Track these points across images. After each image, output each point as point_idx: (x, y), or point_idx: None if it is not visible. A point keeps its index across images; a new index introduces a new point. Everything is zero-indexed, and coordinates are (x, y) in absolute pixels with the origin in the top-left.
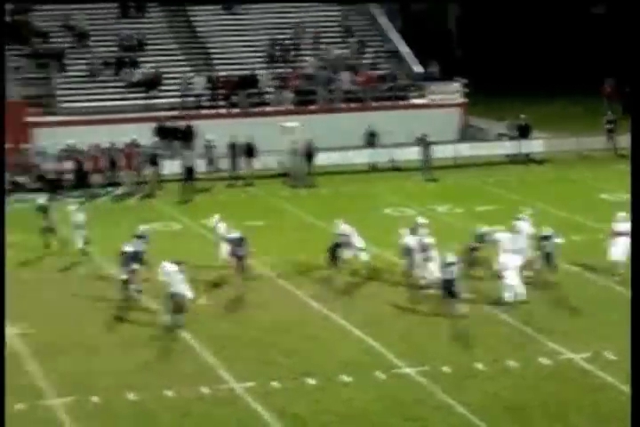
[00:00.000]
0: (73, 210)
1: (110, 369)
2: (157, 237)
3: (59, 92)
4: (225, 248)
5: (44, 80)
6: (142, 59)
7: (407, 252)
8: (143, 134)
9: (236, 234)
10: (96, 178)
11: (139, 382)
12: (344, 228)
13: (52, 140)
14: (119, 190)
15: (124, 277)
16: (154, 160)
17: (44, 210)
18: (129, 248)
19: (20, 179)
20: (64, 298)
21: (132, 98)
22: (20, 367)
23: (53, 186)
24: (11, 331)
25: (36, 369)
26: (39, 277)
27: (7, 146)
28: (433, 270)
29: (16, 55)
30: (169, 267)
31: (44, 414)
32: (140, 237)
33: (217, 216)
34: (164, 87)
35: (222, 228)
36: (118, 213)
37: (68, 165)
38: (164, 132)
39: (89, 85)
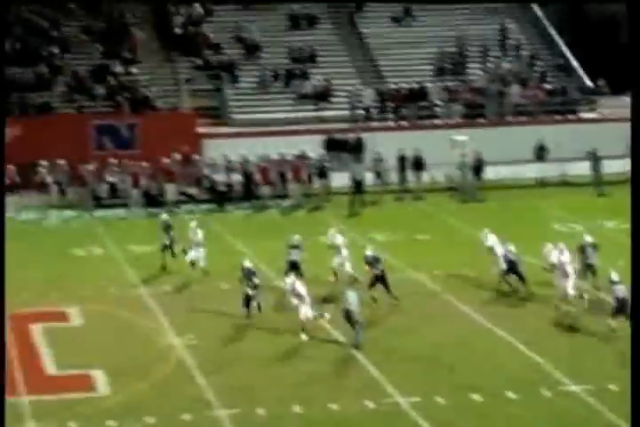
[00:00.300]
0: (192, 227)
1: (275, 382)
2: (325, 249)
3: (230, 104)
4: (337, 260)
5: (216, 91)
6: (313, 71)
7: (551, 268)
8: (312, 146)
9: (370, 252)
10: (265, 190)
11: (304, 395)
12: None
13: (222, 151)
14: (287, 202)
15: (250, 292)
16: (323, 172)
17: (166, 226)
18: (248, 264)
19: (191, 190)
20: (223, 311)
21: (302, 110)
22: (187, 378)
23: (222, 197)
24: (178, 342)
25: (203, 380)
26: (194, 291)
27: (178, 156)
28: (569, 286)
29: (188, 67)
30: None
31: (210, 425)
32: (294, 246)
33: (334, 229)
34: (333, 99)
35: (339, 239)
36: (286, 226)
37: (238, 176)
38: (333, 145)
39: (259, 97)
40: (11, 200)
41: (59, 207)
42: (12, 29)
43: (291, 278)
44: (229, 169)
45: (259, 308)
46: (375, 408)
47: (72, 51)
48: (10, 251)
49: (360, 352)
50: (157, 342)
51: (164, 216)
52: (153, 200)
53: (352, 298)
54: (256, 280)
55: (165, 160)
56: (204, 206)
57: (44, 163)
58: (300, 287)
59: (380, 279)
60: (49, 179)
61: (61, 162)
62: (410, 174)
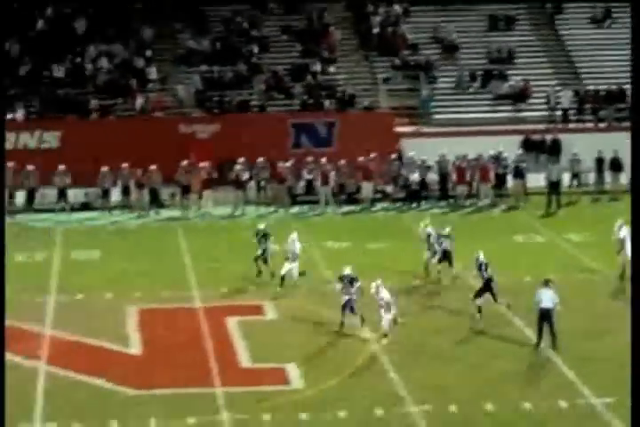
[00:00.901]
0: (292, 238)
1: (468, 379)
2: (519, 249)
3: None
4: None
5: (414, 91)
6: (510, 71)
7: None
8: (509, 147)
9: (480, 254)
10: (460, 189)
11: (496, 394)
12: None
13: (419, 150)
14: (483, 202)
15: (350, 299)
16: (519, 172)
17: (263, 235)
18: (348, 271)
19: (387, 188)
20: (414, 308)
21: (499, 110)
22: (380, 374)
23: (418, 196)
24: (371, 337)
25: (395, 376)
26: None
27: (374, 155)
28: None
29: (386, 66)
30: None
31: (402, 421)
32: (446, 236)
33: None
34: (531, 100)
35: (429, 231)
36: (481, 225)
37: (434, 175)
38: (530, 145)
39: (457, 97)
40: (208, 196)
41: (256, 203)
42: (212, 29)
43: (377, 282)
44: (426, 168)
45: (362, 320)
46: (568, 408)
47: (271, 50)
48: (206, 245)
49: (554, 353)
50: (351, 337)
51: (262, 226)
52: (349, 197)
53: (546, 296)
54: (356, 286)
55: (362, 158)
56: (399, 205)
57: (241, 160)
58: (384, 293)
59: (487, 286)
60: (246, 175)
61: (260, 159)
62: (607, 176)
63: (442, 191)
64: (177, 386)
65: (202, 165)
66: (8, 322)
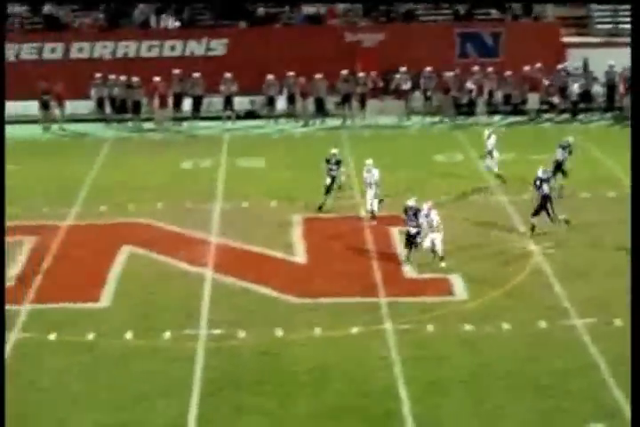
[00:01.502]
0: (368, 166)
1: None
2: None
3: (595, 14)
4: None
5: (581, 2)
6: None
7: None
8: None
9: (539, 170)
10: (627, 101)
11: None
12: None
13: (586, 61)
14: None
15: (413, 231)
16: None
17: (336, 162)
18: (411, 202)
19: (554, 99)
20: (583, 219)
21: None
22: (544, 286)
23: (582, 107)
24: (536, 250)
25: (560, 289)
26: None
27: (540, 65)
28: None
29: None
30: None
31: (565, 333)
32: (564, 147)
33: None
34: None
35: (491, 142)
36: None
37: (600, 86)
38: None
39: (626, 7)
40: (372, 105)
41: (422, 114)
42: None
43: (428, 204)
44: (592, 79)
45: (407, 257)
46: None
47: None
48: (370, 155)
49: None
50: (515, 250)
51: (334, 150)
52: (515, 108)
53: None
54: (420, 219)
55: (527, 69)
56: (564, 116)
57: (403, 69)
58: (434, 215)
59: (544, 204)
60: (407, 85)
61: (427, 69)
62: None
63: (609, 103)
64: (341, 295)
65: (362, 74)
66: (175, 228)
